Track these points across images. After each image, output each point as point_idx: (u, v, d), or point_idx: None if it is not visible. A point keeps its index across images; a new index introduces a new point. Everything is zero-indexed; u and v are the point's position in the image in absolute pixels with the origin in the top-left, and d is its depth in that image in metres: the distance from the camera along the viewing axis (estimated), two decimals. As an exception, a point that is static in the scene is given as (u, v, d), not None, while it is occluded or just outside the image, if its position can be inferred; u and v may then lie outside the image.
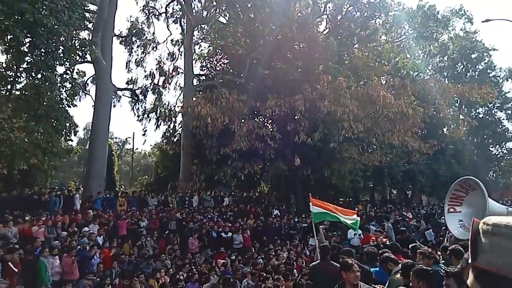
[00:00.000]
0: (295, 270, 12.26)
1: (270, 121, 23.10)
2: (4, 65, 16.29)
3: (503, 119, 37.75)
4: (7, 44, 15.41)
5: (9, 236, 10.20)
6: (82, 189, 18.27)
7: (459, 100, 28.25)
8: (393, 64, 26.60)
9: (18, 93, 16.07)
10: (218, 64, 27.53)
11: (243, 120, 19.96)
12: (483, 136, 36.78)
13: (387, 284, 5.37)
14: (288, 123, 19.50)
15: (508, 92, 37.76)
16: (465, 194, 5.49)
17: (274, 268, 11.68)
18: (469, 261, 0.87)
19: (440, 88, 22.01)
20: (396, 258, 6.06)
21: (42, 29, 14.21)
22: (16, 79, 16.07)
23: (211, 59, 27.56)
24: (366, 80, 21.36)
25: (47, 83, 15.08)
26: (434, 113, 22.22)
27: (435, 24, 26.79)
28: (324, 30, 25.32)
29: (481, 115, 36.08)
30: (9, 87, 15.99)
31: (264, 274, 10.80)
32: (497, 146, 37.98)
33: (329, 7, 24.96)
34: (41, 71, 15.17)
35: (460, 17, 34.36)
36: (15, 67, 15.91)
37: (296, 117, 19.85)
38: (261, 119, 22.38)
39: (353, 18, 24.27)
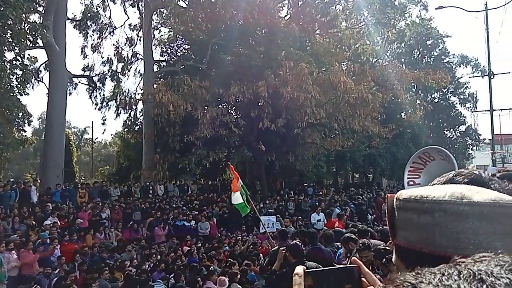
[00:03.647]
0: (261, 254, 12.43)
1: (234, 108, 22.96)
2: None
3: (456, 103, 39.56)
4: (-51, 28, 14.28)
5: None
6: (39, 181, 17.45)
7: (415, 86, 29.24)
8: (353, 50, 27.13)
9: (-37, 81, 14.99)
10: (179, 50, 26.86)
11: (206, 107, 19.71)
12: (438, 120, 38.39)
13: (348, 262, 5.60)
14: (252, 110, 19.47)
15: (461, 77, 39.62)
16: (423, 165, 5.64)
17: (241, 254, 11.78)
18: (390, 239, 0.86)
19: (398, 74, 22.68)
20: (356, 238, 6.32)
21: (-13, 11, 13.26)
22: (-40, 65, 14.98)
23: (172, 45, 26.83)
24: (328, 66, 21.64)
25: (-5, 70, 14.16)
26: (393, 98, 22.93)
27: (392, 11, 27.34)
28: (286, 16, 25.32)
29: (436, 100, 37.58)
30: (-48, 74, 14.88)
31: (231, 260, 10.86)
32: (451, 129, 39.78)
33: (290, -7, 24.96)
34: (-12, 57, 14.22)
35: (416, 4, 35.33)
36: (-42, 53, 14.81)
37: (259, 103, 19.84)
38: (224, 106, 22.18)
39: (314, 4, 24.40)
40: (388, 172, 29.62)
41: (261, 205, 18.10)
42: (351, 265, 0.86)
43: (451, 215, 0.71)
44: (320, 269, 0.86)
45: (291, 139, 21.28)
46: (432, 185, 0.90)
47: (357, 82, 19.38)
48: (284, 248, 5.37)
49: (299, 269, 0.83)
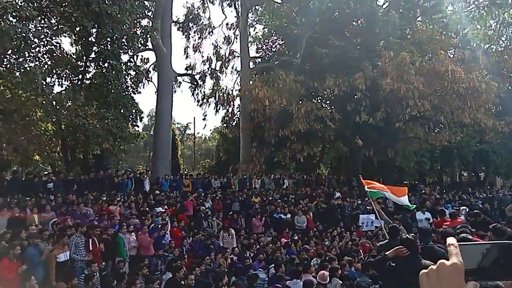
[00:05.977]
0: (361, 251, 12.06)
1: (329, 101, 22.57)
2: (74, 55, 17.35)
3: None
4: (76, 35, 16.34)
5: (90, 213, 11.05)
6: (150, 172, 19.15)
7: (539, 73, 25.69)
8: (461, 36, 24.73)
9: (88, 81, 17.07)
10: (273, 46, 27.31)
11: (300, 102, 19.66)
12: None
13: None
14: (348, 103, 18.92)
15: None
16: None
17: (342, 249, 11.60)
18: None
19: (517, 60, 20.18)
20: (474, 239, 5.75)
21: (107, 18, 14.82)
22: (86, 68, 17.07)
23: (266, 41, 27.37)
24: (432, 55, 20.08)
25: (113, 71, 15.82)
26: (510, 88, 20.42)
27: (510, -11, 24.32)
28: (384, 3, 24.10)
29: None
30: (80, 76, 17.04)
31: (330, 255, 10.70)
32: None
33: (389, -21, 23.65)
34: (108, 60, 15.93)
35: (540, -21, 30.89)
36: (84, 57, 16.90)
37: (356, 96, 19.20)
38: (319, 100, 21.92)
39: (415, -11, 22.80)
40: (503, 171, 26.46)
41: (359, 202, 17.53)
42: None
43: None
44: (472, 243, 0.86)
45: (390, 133, 20.19)
46: None
47: (468, 70, 17.65)
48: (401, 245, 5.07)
49: (453, 240, 0.84)
